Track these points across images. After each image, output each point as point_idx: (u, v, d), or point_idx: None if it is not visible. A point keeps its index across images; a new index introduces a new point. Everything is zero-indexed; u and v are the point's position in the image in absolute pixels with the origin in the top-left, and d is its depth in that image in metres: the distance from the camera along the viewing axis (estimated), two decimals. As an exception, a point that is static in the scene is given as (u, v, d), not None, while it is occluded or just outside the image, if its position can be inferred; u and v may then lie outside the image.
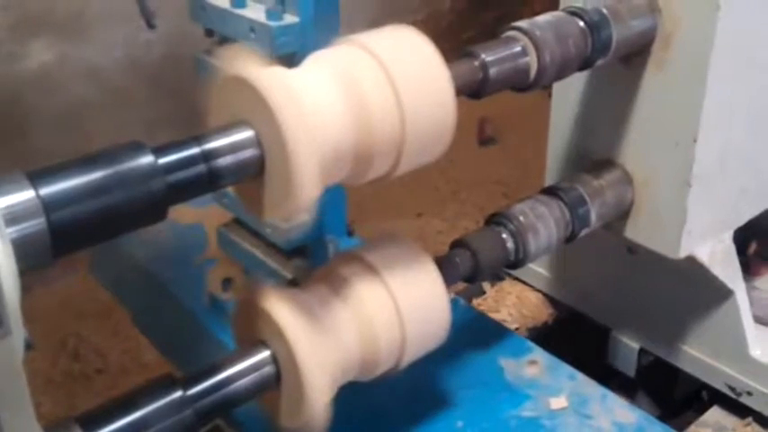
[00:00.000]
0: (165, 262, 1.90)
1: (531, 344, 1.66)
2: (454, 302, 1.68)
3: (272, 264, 1.61)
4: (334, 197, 1.51)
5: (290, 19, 1.38)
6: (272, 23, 1.37)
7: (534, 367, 1.59)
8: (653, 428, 1.46)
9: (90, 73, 2.72)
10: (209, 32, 1.56)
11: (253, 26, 1.40)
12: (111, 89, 2.76)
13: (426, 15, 3.45)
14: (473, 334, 1.67)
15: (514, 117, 3.08)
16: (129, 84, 2.79)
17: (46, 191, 0.87)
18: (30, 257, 0.85)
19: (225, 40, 1.51)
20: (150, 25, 1.49)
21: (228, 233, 1.68)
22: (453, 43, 3.49)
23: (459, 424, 1.45)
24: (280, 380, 1.13)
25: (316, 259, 1.56)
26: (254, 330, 1.15)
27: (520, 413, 1.48)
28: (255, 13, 1.42)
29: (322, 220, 1.53)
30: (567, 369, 1.59)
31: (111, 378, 2.35)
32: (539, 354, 1.62)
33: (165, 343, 1.92)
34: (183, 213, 1.89)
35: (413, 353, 1.25)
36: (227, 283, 1.75)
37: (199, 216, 1.93)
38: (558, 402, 1.49)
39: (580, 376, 1.57)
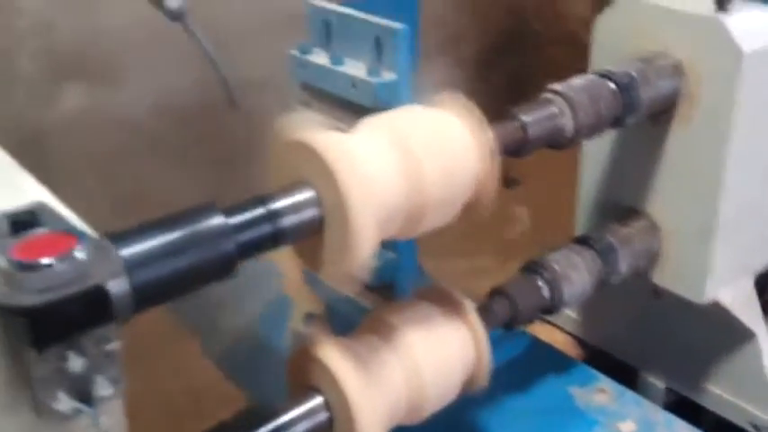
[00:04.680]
0: (240, 295, 1.98)
1: (598, 373, 1.75)
2: (522, 335, 1.80)
3: (358, 299, 1.70)
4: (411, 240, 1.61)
5: (387, 75, 1.49)
6: (374, 80, 1.48)
7: (603, 395, 1.68)
8: None
9: (121, 119, 2.79)
10: (305, 87, 1.67)
11: (355, 82, 1.51)
12: (142, 135, 2.83)
13: (450, 61, 3.53)
14: (543, 364, 1.77)
15: (538, 158, 3.14)
16: (160, 130, 2.86)
17: (128, 251, 0.93)
18: (116, 315, 0.92)
19: (320, 94, 1.63)
20: (233, 104, 1.59)
21: (313, 269, 1.76)
22: (477, 88, 3.56)
23: None
24: (332, 426, 1.19)
25: (399, 295, 1.65)
26: (307, 378, 1.21)
27: None
28: (356, 70, 1.53)
29: (403, 259, 1.64)
30: (634, 396, 1.69)
31: (143, 427, 2.36)
32: (606, 382, 1.72)
33: (242, 375, 2.00)
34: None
35: (453, 398, 1.31)
36: (309, 318, 1.82)
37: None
38: (627, 426, 1.58)
39: (646, 403, 1.68)
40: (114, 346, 0.75)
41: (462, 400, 1.60)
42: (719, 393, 1.86)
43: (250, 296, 1.98)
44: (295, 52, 1.70)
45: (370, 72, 1.52)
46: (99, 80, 2.75)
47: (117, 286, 0.85)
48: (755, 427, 1.81)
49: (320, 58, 1.65)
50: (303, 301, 1.88)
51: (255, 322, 1.91)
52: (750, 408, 1.81)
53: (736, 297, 1.69)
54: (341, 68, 1.58)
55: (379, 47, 1.56)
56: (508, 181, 3.32)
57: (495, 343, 1.73)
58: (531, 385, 1.70)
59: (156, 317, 2.38)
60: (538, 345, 1.85)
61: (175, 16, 1.67)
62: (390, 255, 1.69)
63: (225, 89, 1.52)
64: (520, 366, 1.74)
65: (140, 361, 2.50)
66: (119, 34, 2.70)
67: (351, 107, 1.56)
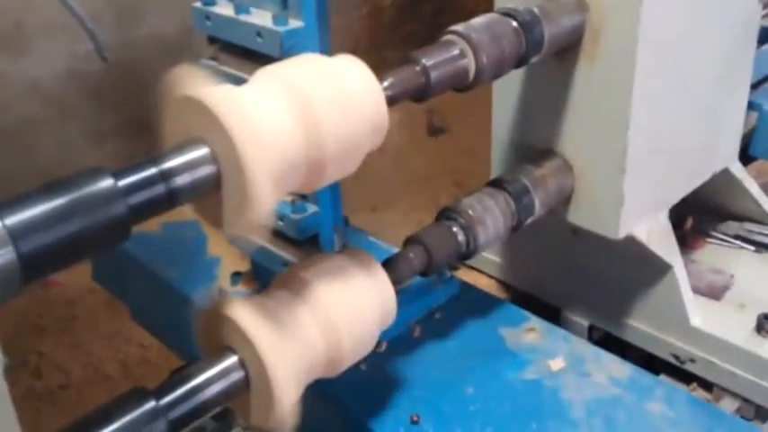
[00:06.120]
0: (166, 259, 1.96)
1: (526, 312, 1.77)
2: (451, 281, 1.81)
3: (284, 255, 1.71)
4: (334, 191, 1.61)
5: (295, 23, 1.46)
6: (280, 28, 1.45)
7: (532, 334, 1.70)
8: (644, 379, 1.58)
9: (31, 87, 2.70)
10: (212, 40, 1.63)
11: (260, 32, 1.48)
12: (52, 103, 2.74)
13: (369, 11, 3.50)
14: (473, 308, 1.78)
15: (461, 105, 3.14)
16: (70, 96, 2.77)
17: (12, 220, 0.90)
18: (1, 286, 0.88)
19: (227, 46, 1.60)
20: (103, 58, 1.53)
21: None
22: (396, 36, 3.55)
23: (470, 391, 1.55)
24: (249, 384, 1.18)
25: (325, 247, 1.65)
26: (220, 338, 1.20)
27: (523, 376, 1.58)
28: (261, 19, 1.49)
29: (327, 212, 1.63)
30: (562, 333, 1.72)
31: (75, 393, 2.36)
32: (535, 321, 1.74)
33: (169, 335, 2.01)
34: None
35: (370, 346, 1.32)
36: (236, 277, 1.81)
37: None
38: (557, 364, 1.60)
39: (574, 339, 1.70)
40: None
41: (394, 345, 1.63)
42: (641, 327, 1.91)
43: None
44: (198, 4, 1.65)
45: (276, 21, 1.48)
46: (6, 50, 2.65)
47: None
48: (677, 357, 1.86)
49: (225, 8, 1.60)
50: (230, 260, 1.87)
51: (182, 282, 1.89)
52: (671, 339, 1.86)
53: (652, 231, 1.72)
54: (246, 18, 1.53)
55: (284, -6, 1.51)
56: (434, 130, 3.32)
57: (426, 289, 1.75)
58: (463, 329, 1.72)
59: (85, 286, 2.35)
60: (467, 289, 1.86)
61: None
62: (314, 208, 1.68)
63: (93, 42, 1.46)
64: (451, 311, 1.76)
65: (70, 330, 2.48)
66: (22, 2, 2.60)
67: (258, 58, 1.52)
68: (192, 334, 1.83)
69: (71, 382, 2.38)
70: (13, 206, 0.91)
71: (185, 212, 1.88)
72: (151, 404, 1.09)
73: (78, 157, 2.61)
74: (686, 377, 1.86)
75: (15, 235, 0.89)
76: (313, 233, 1.69)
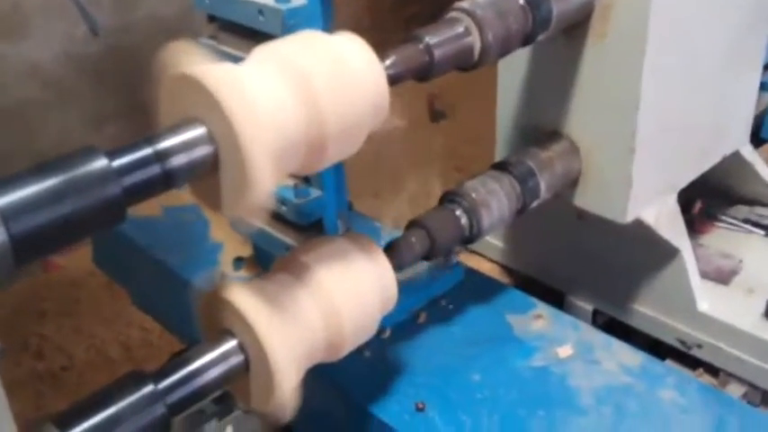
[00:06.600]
0: (168, 244, 1.94)
1: (534, 299, 1.73)
2: (457, 267, 1.77)
3: (286, 239, 1.69)
4: (338, 175, 1.58)
5: (297, 1, 1.42)
6: (282, 6, 1.41)
7: (540, 321, 1.66)
8: (655, 367, 1.55)
9: (30, 70, 2.67)
10: (212, 19, 1.60)
11: (262, 10, 1.44)
12: (51, 85, 2.71)
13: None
14: (479, 294, 1.75)
15: (463, 89, 3.10)
16: (70, 79, 2.74)
17: (2, 201, 0.87)
18: (-7, 268, 0.86)
19: (228, 25, 1.56)
20: (94, 33, 1.50)
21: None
22: (398, 17, 3.50)
23: (476, 378, 1.53)
24: (248, 367, 1.16)
25: (329, 233, 1.63)
26: (220, 322, 1.17)
27: (531, 364, 1.56)
28: None
29: (331, 196, 1.61)
30: (570, 320, 1.68)
31: (77, 375, 2.35)
32: (543, 308, 1.70)
33: (171, 320, 2.00)
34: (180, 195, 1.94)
35: (371, 331, 1.29)
36: (238, 262, 1.80)
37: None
38: (565, 351, 1.57)
39: (583, 325, 1.66)
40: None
41: (399, 332, 1.60)
42: (647, 312, 1.88)
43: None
44: (197, -19, 1.61)
45: (278, -2, 1.45)
46: (4, 32, 2.62)
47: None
48: (683, 342, 1.84)
49: (224, -15, 1.57)
50: (232, 246, 1.85)
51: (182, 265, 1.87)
52: (677, 324, 1.84)
53: (660, 215, 1.69)
54: (247, -5, 1.50)
55: (285, -30, 1.48)
56: (435, 114, 3.27)
57: (431, 275, 1.73)
58: (469, 316, 1.69)
59: (86, 269, 2.33)
60: (473, 276, 1.83)
61: None
62: (317, 192, 1.65)
63: (84, 18, 1.43)
64: (457, 298, 1.73)
65: (72, 312, 2.47)
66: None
67: (259, 37, 1.48)
68: (194, 319, 1.83)
69: (74, 364, 2.37)
70: (4, 186, 0.89)
71: (187, 197, 1.87)
72: (149, 388, 1.07)
73: (78, 140, 2.59)
74: (692, 362, 1.83)
75: (6, 216, 0.87)
76: (316, 218, 1.66)
